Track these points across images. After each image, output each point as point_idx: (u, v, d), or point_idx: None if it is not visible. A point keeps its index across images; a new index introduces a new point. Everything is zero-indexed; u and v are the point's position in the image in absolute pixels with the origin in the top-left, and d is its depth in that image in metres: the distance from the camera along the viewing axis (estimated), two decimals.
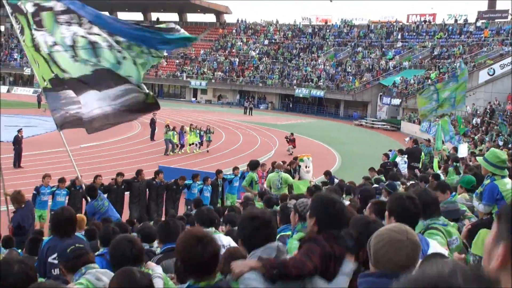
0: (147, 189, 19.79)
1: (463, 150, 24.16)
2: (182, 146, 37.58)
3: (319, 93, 75.87)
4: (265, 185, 18.74)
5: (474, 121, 46.63)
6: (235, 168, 21.89)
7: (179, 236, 4.10)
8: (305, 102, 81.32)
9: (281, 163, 19.44)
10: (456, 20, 78.13)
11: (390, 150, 27.53)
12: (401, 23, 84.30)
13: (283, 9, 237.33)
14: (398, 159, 22.93)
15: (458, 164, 19.76)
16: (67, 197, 18.17)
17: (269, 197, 12.70)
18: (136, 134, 45.02)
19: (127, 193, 19.73)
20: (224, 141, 43.43)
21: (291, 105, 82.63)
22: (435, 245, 5.02)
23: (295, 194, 15.37)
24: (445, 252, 5.00)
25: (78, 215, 12.43)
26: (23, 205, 12.19)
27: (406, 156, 23.69)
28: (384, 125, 63.74)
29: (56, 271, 6.45)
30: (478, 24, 73.82)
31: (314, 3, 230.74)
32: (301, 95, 78.29)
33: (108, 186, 18.87)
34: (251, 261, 4.06)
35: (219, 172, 21.20)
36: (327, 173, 20.84)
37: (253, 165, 19.04)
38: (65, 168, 28.24)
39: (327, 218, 4.39)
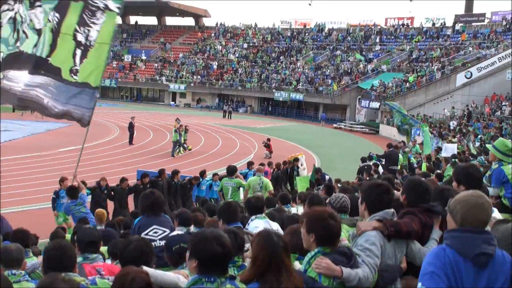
0: (168, 188, 20.23)
1: (450, 149, 24.66)
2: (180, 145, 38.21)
3: (298, 96, 75.92)
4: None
5: (451, 124, 46.96)
6: (250, 164, 22.71)
7: (310, 212, 5.10)
8: (284, 106, 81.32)
9: (262, 167, 19.52)
10: (433, 24, 78.73)
11: (370, 153, 27.72)
12: (379, 27, 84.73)
13: (262, 12, 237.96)
14: (372, 163, 23.16)
15: (455, 160, 20.31)
16: (89, 197, 18.27)
17: (284, 194, 13.07)
18: (114, 138, 44.77)
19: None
20: (203, 144, 43.31)
21: (270, 109, 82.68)
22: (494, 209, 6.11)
23: (297, 191, 15.87)
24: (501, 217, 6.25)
25: (99, 209, 12.80)
26: None
27: (383, 160, 23.99)
28: (362, 128, 63.93)
29: None
30: (456, 27, 74.34)
31: (293, 7, 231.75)
32: (280, 99, 78.22)
33: (135, 187, 19.30)
34: (374, 222, 5.10)
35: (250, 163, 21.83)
36: (318, 170, 22.11)
37: (233, 171, 19.07)
38: (43, 172, 28.11)
39: (415, 194, 5.65)
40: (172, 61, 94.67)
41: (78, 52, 11.71)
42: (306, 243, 4.85)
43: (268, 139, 39.65)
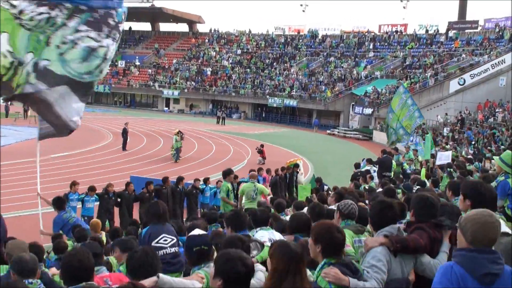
0: (172, 195, 20.44)
1: (446, 157, 24.75)
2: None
3: (292, 102, 76.09)
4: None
5: (445, 131, 47.02)
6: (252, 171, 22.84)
7: (318, 225, 5.29)
8: (278, 112, 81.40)
9: (255, 173, 19.51)
10: (427, 31, 78.92)
11: (363, 159, 27.74)
12: (373, 33, 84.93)
13: (256, 19, 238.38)
14: (366, 168, 23.23)
15: (451, 169, 20.36)
16: (96, 204, 18.89)
17: (279, 202, 13.18)
18: (108, 144, 44.69)
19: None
20: (197, 150, 43.27)
21: (263, 115, 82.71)
22: (502, 223, 6.02)
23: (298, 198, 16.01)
24: (509, 230, 6.14)
25: (94, 219, 13.45)
26: None
27: (377, 166, 24.04)
28: (356, 134, 64.01)
29: (160, 253, 7.68)
30: (449, 34, 74.58)
31: (287, 13, 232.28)
32: (274, 105, 78.36)
33: (141, 194, 19.56)
34: (380, 238, 5.32)
35: (235, 177, 21.37)
36: (318, 180, 22.39)
37: (225, 174, 19.12)
38: (35, 178, 27.97)
39: (422, 211, 5.78)
40: (166, 67, 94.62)
41: None
42: (313, 253, 5.15)
43: (262, 145, 39.67)
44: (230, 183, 18.88)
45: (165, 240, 7.99)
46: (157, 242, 7.97)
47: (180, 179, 21.14)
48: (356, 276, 4.99)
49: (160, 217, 8.26)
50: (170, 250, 7.98)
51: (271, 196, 19.75)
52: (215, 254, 5.46)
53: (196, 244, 5.91)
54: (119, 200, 19.24)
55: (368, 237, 5.71)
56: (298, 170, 25.46)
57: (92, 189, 18.63)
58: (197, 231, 6.25)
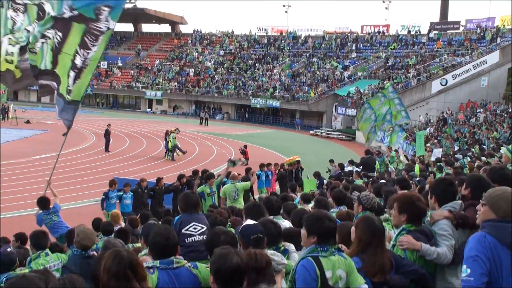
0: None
1: (438, 153, 25.22)
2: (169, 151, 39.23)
3: (275, 103, 76.13)
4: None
5: (427, 131, 47.23)
6: (262, 166, 24.53)
7: (402, 196, 6.16)
8: (261, 113, 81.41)
9: (236, 174, 19.58)
10: (409, 31, 79.20)
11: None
12: (355, 34, 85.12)
13: (239, 19, 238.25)
14: (348, 169, 23.42)
15: (441, 163, 20.69)
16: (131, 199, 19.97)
17: (306, 194, 14.00)
18: (90, 145, 44.49)
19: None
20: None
21: (247, 116, 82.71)
22: None
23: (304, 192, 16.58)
24: None
25: (114, 211, 14.06)
26: None
27: (360, 167, 24.22)
28: (339, 135, 64.10)
29: (189, 240, 8.22)
30: (431, 35, 74.91)
31: (269, 14, 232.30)
32: (257, 106, 78.35)
33: (174, 187, 20.42)
34: (445, 212, 6.00)
35: (248, 170, 22.20)
36: (316, 174, 22.87)
37: (207, 178, 19.34)
38: (18, 180, 27.82)
39: (479, 189, 5.99)
40: (148, 68, 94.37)
41: (72, 74, 12.54)
42: (397, 221, 6.03)
43: (245, 146, 39.71)
44: (209, 187, 19.18)
45: (195, 228, 8.34)
46: (186, 230, 8.36)
47: (195, 172, 21.60)
48: (431, 241, 5.76)
49: (194, 206, 8.64)
50: (199, 238, 8.28)
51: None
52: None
53: (254, 232, 6.29)
54: (152, 193, 20.21)
55: (435, 211, 6.23)
56: (302, 167, 26.89)
57: (126, 185, 19.79)
58: (249, 221, 6.74)
